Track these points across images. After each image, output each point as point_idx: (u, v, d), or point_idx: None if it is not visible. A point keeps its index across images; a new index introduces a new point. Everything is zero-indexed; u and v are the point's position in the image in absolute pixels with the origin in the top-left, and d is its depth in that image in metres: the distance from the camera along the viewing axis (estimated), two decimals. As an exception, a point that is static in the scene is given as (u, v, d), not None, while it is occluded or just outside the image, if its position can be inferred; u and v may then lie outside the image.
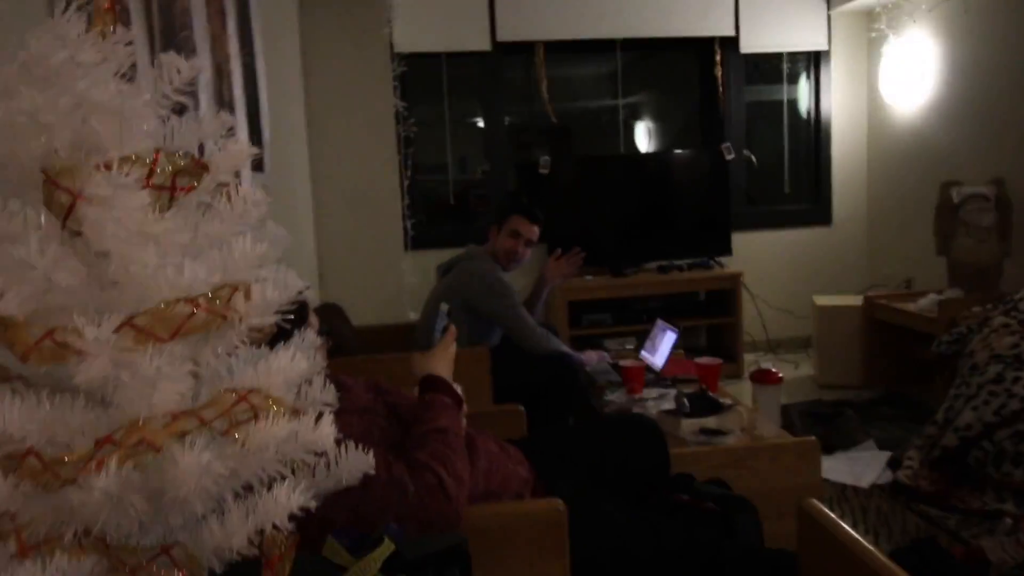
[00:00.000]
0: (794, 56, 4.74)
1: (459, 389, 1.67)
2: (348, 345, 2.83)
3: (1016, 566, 1.41)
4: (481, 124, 4.58)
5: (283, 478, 0.73)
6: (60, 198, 0.64)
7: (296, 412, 0.72)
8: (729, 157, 4.38)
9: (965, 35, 3.89)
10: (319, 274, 4.22)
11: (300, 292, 0.76)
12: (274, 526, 0.70)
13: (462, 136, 4.64)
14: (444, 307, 1.82)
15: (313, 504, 0.72)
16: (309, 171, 4.19)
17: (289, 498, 0.70)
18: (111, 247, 0.66)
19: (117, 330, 0.63)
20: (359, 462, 0.79)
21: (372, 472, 0.81)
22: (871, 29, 4.59)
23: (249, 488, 0.72)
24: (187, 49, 1.90)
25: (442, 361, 1.64)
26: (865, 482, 2.78)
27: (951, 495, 2.58)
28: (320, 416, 0.74)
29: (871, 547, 1.25)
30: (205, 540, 0.71)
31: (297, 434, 0.71)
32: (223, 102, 2.24)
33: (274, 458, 0.70)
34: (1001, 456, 2.54)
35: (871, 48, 4.66)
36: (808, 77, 4.79)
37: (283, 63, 3.61)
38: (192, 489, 0.63)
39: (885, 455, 2.97)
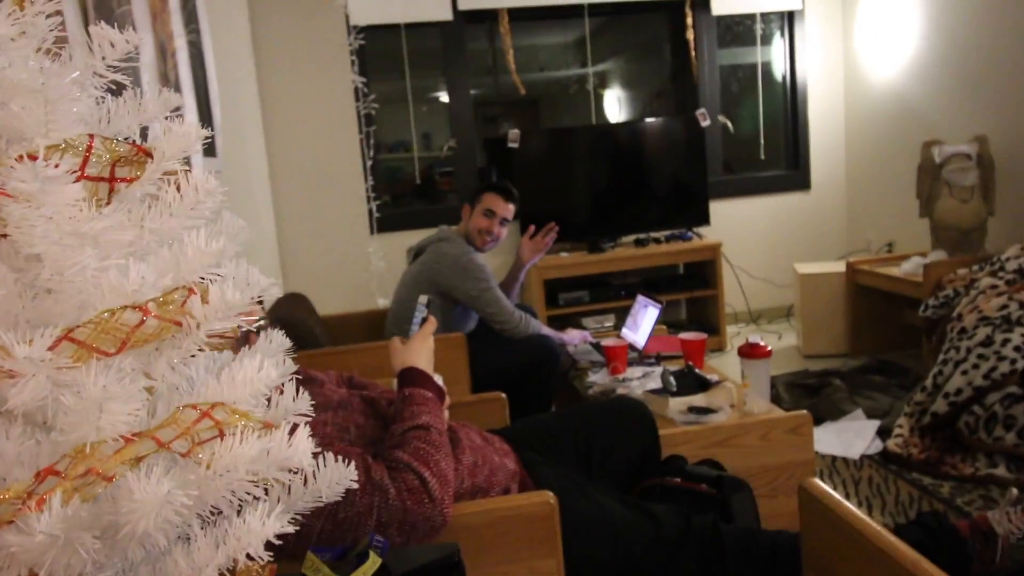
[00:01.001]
0: (768, 16, 4.71)
1: (440, 380, 1.63)
2: (315, 335, 2.76)
3: (1023, 537, 1.41)
4: (445, 98, 4.49)
5: (256, 499, 0.67)
6: (-23, 195, 0.57)
7: (267, 426, 0.66)
8: (704, 124, 4.35)
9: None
10: (280, 262, 4.13)
11: (264, 289, 0.70)
12: (248, 556, 0.64)
13: (425, 112, 4.55)
14: (423, 298, 1.79)
15: (291, 529, 0.66)
16: (265, 154, 4.08)
17: (264, 523, 0.64)
18: (42, 249, 0.60)
19: (53, 346, 0.57)
20: (339, 475, 0.73)
21: (355, 485, 0.75)
22: (845, -14, 4.58)
23: (218, 512, 0.66)
24: (124, 22, 1.80)
25: (421, 353, 1.60)
26: (855, 452, 2.79)
27: (943, 462, 2.61)
28: (294, 428, 0.68)
29: (877, 526, 1.24)
30: (171, 574, 0.65)
31: (269, 451, 0.65)
32: (168, 83, 2.14)
33: (244, 479, 0.64)
34: (992, 420, 2.57)
35: (846, 6, 4.64)
36: (783, 38, 4.77)
37: (232, 40, 3.49)
38: (152, 522, 0.57)
39: (874, 424, 2.99)
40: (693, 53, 4.56)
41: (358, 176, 4.26)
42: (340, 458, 0.75)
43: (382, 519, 1.24)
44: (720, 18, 4.61)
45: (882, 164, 4.50)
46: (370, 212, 4.28)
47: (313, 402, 0.79)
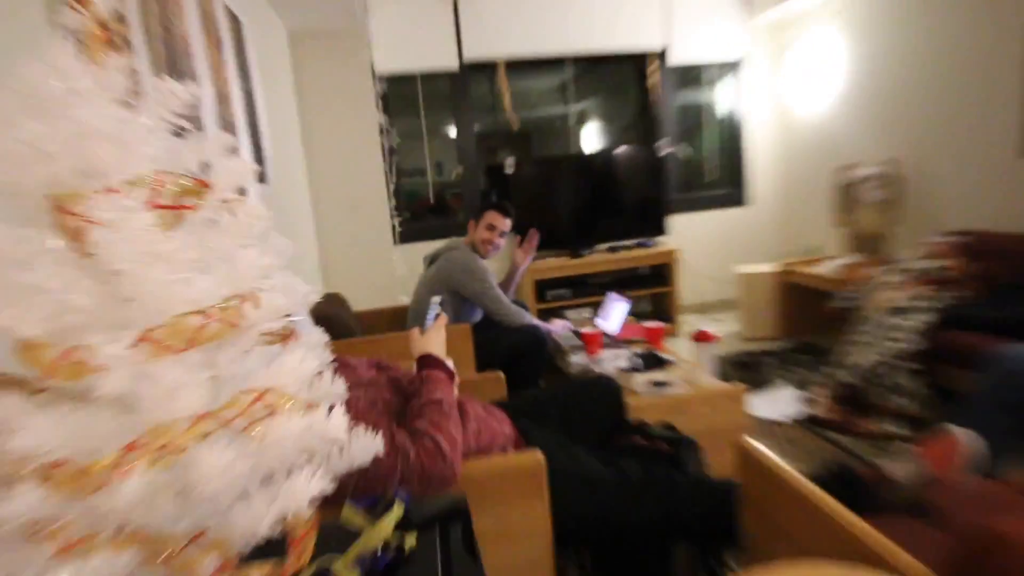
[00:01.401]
0: (715, 65, 4.71)
1: (451, 363, 1.63)
2: (351, 327, 2.76)
3: (913, 481, 1.41)
4: (453, 133, 4.48)
5: (302, 466, 0.67)
6: (68, 223, 0.56)
7: (310, 406, 0.66)
8: (664, 152, 4.34)
9: (861, 37, 3.89)
10: (321, 267, 4.12)
11: (304, 296, 0.70)
12: (296, 510, 0.64)
13: (438, 144, 4.53)
14: (436, 299, 1.79)
15: (331, 488, 0.66)
16: (307, 179, 4.06)
17: (308, 484, 0.64)
18: (123, 267, 0.59)
19: (134, 345, 0.56)
20: (369, 445, 0.73)
21: (381, 454, 0.75)
22: (781, 38, 4.57)
23: (271, 476, 0.66)
24: (189, 76, 1.79)
25: (435, 342, 1.60)
26: (784, 416, 2.80)
27: (850, 423, 2.62)
28: (332, 408, 0.68)
29: (797, 473, 1.24)
30: (233, 526, 0.65)
31: (312, 426, 0.65)
32: (226, 123, 2.13)
33: (292, 449, 0.64)
34: (890, 388, 2.59)
35: (776, 56, 4.64)
36: (728, 81, 4.76)
37: (278, 87, 3.47)
38: (217, 485, 0.57)
39: (799, 394, 3.00)
40: (655, 95, 4.56)
41: (383, 197, 4.25)
42: (369, 429, 0.75)
43: (405, 475, 1.24)
44: (678, 67, 4.61)
45: (808, 183, 4.51)
46: (393, 227, 4.27)
47: (348, 383, 0.79)
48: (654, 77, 4.53)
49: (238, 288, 0.63)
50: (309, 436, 0.66)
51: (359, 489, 1.23)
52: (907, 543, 1.00)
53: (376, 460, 1.10)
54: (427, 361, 1.53)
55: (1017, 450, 1.77)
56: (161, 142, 0.65)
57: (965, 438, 1.36)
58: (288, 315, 0.68)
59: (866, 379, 2.65)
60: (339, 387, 0.72)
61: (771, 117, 4.75)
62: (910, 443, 2.32)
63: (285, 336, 0.72)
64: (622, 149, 4.54)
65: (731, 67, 4.69)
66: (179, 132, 0.71)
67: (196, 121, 1.79)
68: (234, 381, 0.65)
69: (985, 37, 3.09)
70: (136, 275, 0.59)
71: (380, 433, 0.80)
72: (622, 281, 4.33)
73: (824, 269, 3.64)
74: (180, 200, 0.63)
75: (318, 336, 0.77)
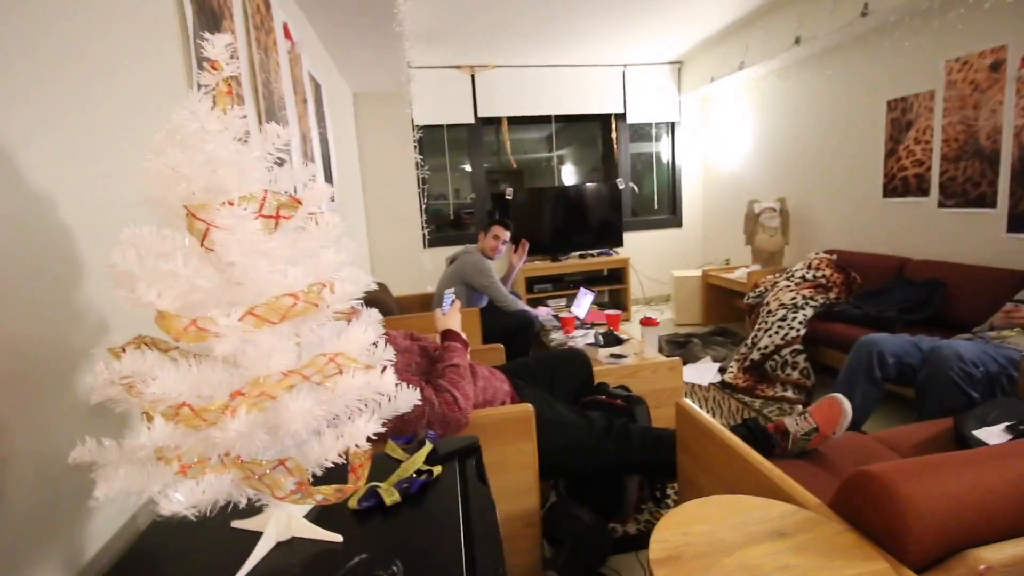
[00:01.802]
0: (659, 124, 4.69)
1: (465, 336, 1.61)
2: (392, 308, 2.73)
3: (804, 433, 1.41)
4: (468, 168, 4.44)
5: (361, 412, 0.65)
6: (198, 226, 0.54)
7: (368, 367, 0.64)
8: (622, 187, 4.32)
9: (763, 109, 3.88)
10: (371, 264, 4.08)
11: (367, 285, 0.68)
12: (356, 445, 0.63)
13: (456, 176, 4.49)
14: (450, 290, 1.77)
15: (383, 429, 0.64)
16: (363, 200, 4.02)
17: (366, 425, 0.62)
18: (236, 259, 0.58)
19: (242, 318, 0.55)
20: (408, 397, 0.72)
21: (426, 404, 0.73)
22: (706, 107, 4.55)
23: (338, 419, 0.64)
24: (282, 121, 1.76)
25: (453, 321, 1.58)
26: (705, 381, 2.81)
27: (756, 388, 2.62)
28: (384, 369, 0.66)
29: (720, 426, 1.24)
30: (309, 455, 0.64)
31: (369, 382, 0.63)
32: (307, 157, 2.10)
33: (354, 399, 0.62)
34: (785, 364, 2.59)
35: (704, 120, 4.63)
36: (668, 136, 4.75)
37: (345, 130, 3.43)
38: (299, 425, 0.56)
39: (716, 365, 3.00)
40: (616, 145, 4.53)
41: (416, 214, 4.21)
42: (407, 385, 0.73)
43: (431, 420, 1.23)
44: (631, 125, 4.58)
45: (724, 211, 4.50)
46: (423, 235, 4.23)
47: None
48: (615, 132, 4.51)
49: (319, 277, 0.61)
50: (367, 389, 0.65)
51: (397, 430, 1.22)
52: (802, 480, 1.00)
53: (410, 408, 1.10)
54: (448, 335, 1.51)
55: (875, 411, 1.77)
56: (266, 170, 0.63)
57: (844, 403, 1.36)
58: (354, 299, 0.67)
59: (766, 356, 2.65)
60: (388, 353, 0.71)
61: (698, 163, 4.75)
62: (803, 406, 2.34)
63: (351, 315, 0.70)
64: (590, 184, 4.53)
65: (670, 126, 4.67)
66: (279, 163, 0.69)
67: (289, 155, 1.75)
68: (314, 347, 0.63)
69: (857, 107, 3.10)
70: (245, 266, 0.58)
71: (416, 388, 0.79)
72: (589, 279, 4.32)
73: (736, 275, 3.64)
74: (279, 212, 0.62)
75: (374, 315, 0.75)
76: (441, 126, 4.22)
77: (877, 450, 1.37)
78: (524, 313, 2.81)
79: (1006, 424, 1.27)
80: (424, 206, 4.21)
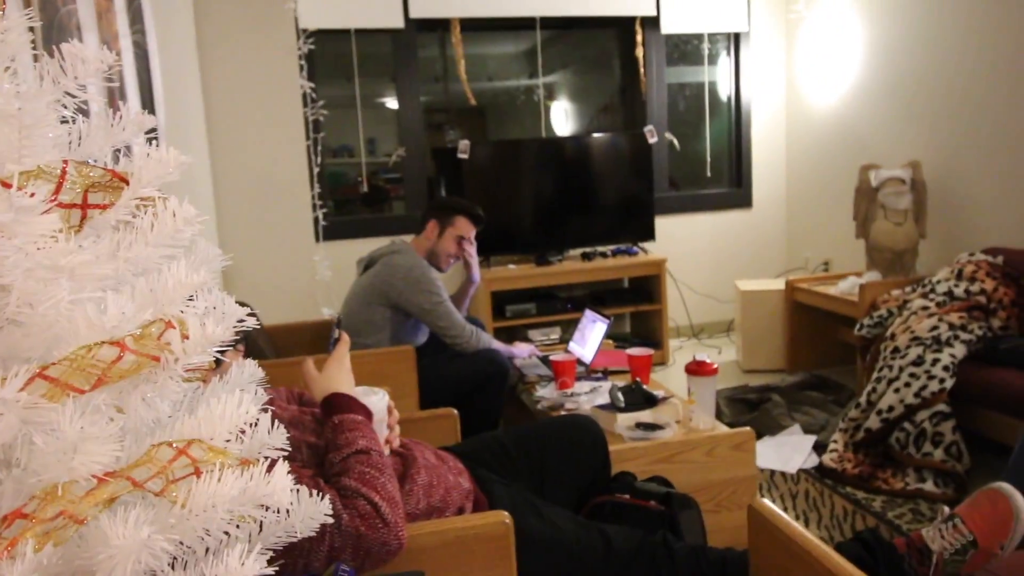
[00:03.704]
0: (715, 37, 4.83)
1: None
2: (263, 350, 2.70)
3: (955, 552, 1.47)
4: (394, 105, 4.46)
5: (229, 537, 0.65)
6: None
7: (245, 463, 0.65)
8: (652, 140, 4.42)
9: (882, 17, 4.05)
10: (222, 271, 4.02)
11: (242, 321, 0.68)
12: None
13: (373, 118, 4.51)
14: (328, 311, 1.75)
15: (271, 571, 0.65)
16: (208, 157, 3.97)
17: (243, 564, 0.62)
18: (10, 280, 0.57)
19: (24, 386, 0.54)
20: (314, 510, 0.72)
21: (331, 521, 0.74)
22: (790, 11, 4.72)
23: (195, 553, 0.64)
24: (71, 28, 1.73)
25: (340, 376, 1.52)
26: (792, 467, 2.87)
27: (875, 477, 2.70)
28: (272, 464, 0.67)
29: (822, 544, 1.28)
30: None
31: (246, 489, 0.63)
32: (113, 84, 2.06)
33: (221, 518, 0.62)
34: (921, 437, 2.68)
35: (789, 30, 4.79)
36: (729, 58, 4.89)
37: (177, 40, 3.39)
38: (128, 569, 0.55)
39: (811, 439, 3.08)
40: (642, 70, 4.65)
41: (304, 183, 4.19)
42: (314, 492, 0.73)
43: (335, 544, 1.22)
44: (669, 36, 4.71)
45: (820, 185, 4.66)
46: (316, 220, 4.21)
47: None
48: (642, 48, 4.63)
49: (160, 311, 0.61)
50: (243, 501, 0.65)
51: (275, 560, 1.21)
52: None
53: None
54: (336, 404, 1.47)
55: None
56: (64, 123, 0.63)
57: (1018, 500, 1.42)
58: (219, 346, 0.67)
59: (895, 425, 2.73)
60: (279, 438, 0.71)
61: (779, 105, 4.91)
62: (948, 505, 2.42)
63: (211, 373, 0.70)
64: (600, 135, 4.61)
65: (733, 41, 4.83)
66: (82, 110, 0.69)
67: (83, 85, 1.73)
68: (150, 431, 0.63)
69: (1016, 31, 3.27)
70: (27, 292, 0.57)
71: (327, 499, 0.79)
72: (598, 296, 4.39)
73: (839, 288, 3.76)
74: (87, 197, 0.61)
75: (250, 370, 0.75)
76: (347, 32, 4.23)
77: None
78: (492, 354, 2.82)
79: None
80: (317, 170, 4.20)
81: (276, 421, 0.75)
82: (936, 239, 3.71)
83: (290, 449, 1.36)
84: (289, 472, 1.22)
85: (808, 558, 1.26)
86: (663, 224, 4.65)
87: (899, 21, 3.93)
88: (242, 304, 2.56)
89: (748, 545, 1.44)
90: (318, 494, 0.82)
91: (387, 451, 1.52)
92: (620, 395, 2.44)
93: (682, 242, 4.79)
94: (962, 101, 3.60)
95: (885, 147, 4.04)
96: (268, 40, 4.03)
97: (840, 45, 4.33)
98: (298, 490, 0.71)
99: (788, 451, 3.00)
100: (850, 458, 2.80)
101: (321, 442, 1.49)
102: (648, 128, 4.45)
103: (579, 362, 2.82)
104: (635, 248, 4.46)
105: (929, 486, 2.61)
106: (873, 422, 2.77)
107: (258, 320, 2.49)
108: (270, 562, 1.17)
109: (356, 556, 1.24)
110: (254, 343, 2.67)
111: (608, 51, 4.95)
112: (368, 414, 1.49)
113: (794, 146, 4.89)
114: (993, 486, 1.54)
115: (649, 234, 4.49)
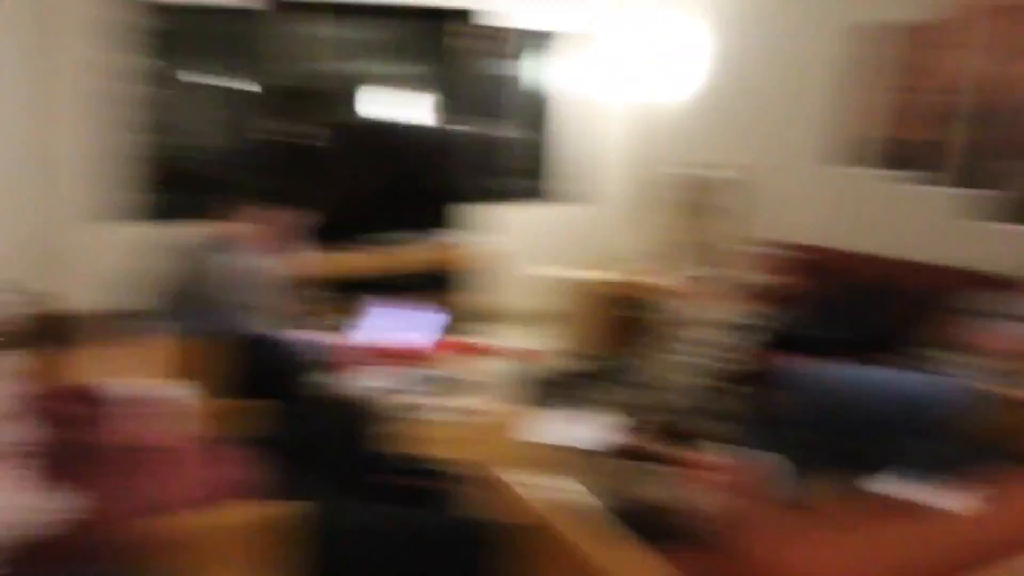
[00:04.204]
0: (532, 33, 4.78)
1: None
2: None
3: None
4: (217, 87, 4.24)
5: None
6: None
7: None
8: (463, 128, 4.42)
9: (727, 24, 4.19)
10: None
11: None
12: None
13: (172, 96, 4.23)
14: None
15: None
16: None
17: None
18: None
19: None
20: (54, 504, 0.66)
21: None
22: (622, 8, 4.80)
23: None
24: None
25: None
26: (591, 443, 2.98)
27: (662, 450, 2.87)
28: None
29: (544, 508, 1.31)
30: None
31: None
32: None
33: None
34: (703, 412, 2.83)
35: (629, 30, 4.83)
36: (541, 56, 4.87)
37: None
38: None
39: (606, 417, 3.20)
40: (460, 61, 4.62)
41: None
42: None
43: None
44: (486, 28, 4.64)
45: (639, 185, 4.74)
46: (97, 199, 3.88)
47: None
48: (458, 39, 4.59)
49: None
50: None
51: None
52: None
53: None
54: None
55: (823, 470, 2.04)
56: None
57: (764, 462, 1.53)
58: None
59: (685, 403, 2.83)
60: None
61: (616, 96, 4.88)
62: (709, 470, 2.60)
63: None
64: (412, 123, 4.53)
65: (544, 38, 4.80)
66: None
67: None
68: None
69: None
70: None
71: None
72: (394, 283, 4.11)
73: (659, 280, 3.85)
74: None
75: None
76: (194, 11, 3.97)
77: (802, 530, 1.53)
78: (266, 338, 2.70)
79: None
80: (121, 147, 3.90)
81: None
82: (749, 234, 3.89)
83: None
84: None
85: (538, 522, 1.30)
86: (491, 214, 4.62)
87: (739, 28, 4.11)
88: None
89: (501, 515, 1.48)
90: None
91: None
92: (406, 379, 2.44)
93: (514, 231, 4.74)
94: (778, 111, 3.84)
95: (711, 150, 4.22)
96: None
97: (678, 48, 4.47)
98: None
99: (586, 428, 3.10)
100: (642, 434, 2.94)
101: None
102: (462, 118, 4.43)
103: (362, 347, 2.77)
104: (452, 236, 4.43)
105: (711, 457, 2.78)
106: (662, 400, 2.87)
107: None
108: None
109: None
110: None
111: (424, 41, 4.88)
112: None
113: (640, 146, 4.96)
114: (740, 451, 1.61)
115: (455, 223, 4.46)
